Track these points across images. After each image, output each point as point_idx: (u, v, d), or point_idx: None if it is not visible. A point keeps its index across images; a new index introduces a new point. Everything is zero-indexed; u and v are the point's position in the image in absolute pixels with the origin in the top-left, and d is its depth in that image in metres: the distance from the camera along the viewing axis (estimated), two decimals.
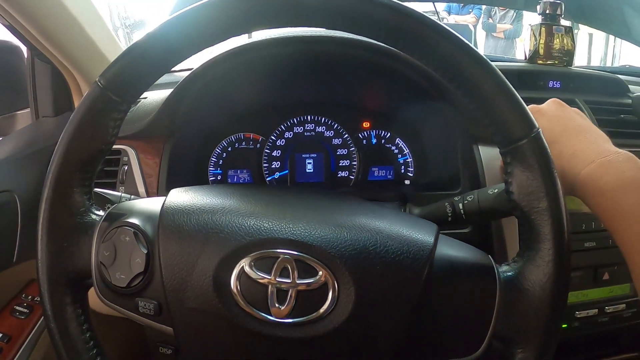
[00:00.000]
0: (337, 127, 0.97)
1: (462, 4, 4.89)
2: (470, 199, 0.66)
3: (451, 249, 0.49)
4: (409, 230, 0.48)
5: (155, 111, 0.81)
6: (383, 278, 0.45)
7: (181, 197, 0.50)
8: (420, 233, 0.48)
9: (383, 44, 0.50)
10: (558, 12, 1.03)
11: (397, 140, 0.98)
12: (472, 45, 0.44)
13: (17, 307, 0.87)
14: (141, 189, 0.80)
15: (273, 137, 0.96)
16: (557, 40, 1.02)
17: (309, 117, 0.96)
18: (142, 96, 0.89)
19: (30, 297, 0.88)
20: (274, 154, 0.96)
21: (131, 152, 0.82)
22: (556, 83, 0.99)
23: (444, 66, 0.45)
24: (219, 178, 0.95)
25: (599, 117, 0.92)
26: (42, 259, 0.48)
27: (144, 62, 0.47)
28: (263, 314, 0.44)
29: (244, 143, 0.96)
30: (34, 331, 0.86)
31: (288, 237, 0.45)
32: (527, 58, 1.06)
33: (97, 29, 0.89)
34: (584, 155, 0.57)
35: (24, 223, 0.80)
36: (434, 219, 0.59)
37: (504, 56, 2.90)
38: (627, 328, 0.94)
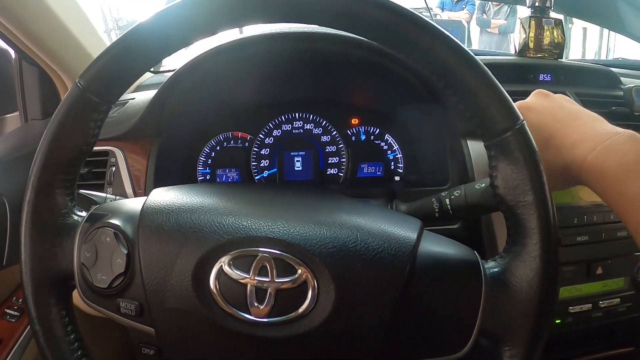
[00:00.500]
0: (325, 124, 0.97)
1: (455, 0, 4.89)
2: (457, 194, 0.65)
3: (435, 245, 0.48)
4: (391, 226, 0.48)
5: (142, 111, 0.81)
6: (363, 276, 0.44)
7: (162, 196, 0.50)
8: (402, 229, 0.48)
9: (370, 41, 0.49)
10: (547, 4, 1.01)
11: (387, 137, 0.98)
12: (453, 37, 0.44)
13: (8, 310, 0.87)
14: (129, 190, 0.80)
15: (261, 136, 0.96)
16: (547, 33, 1.01)
17: (297, 115, 0.96)
18: (129, 97, 0.89)
19: (20, 300, 0.88)
20: (263, 152, 0.96)
21: (118, 153, 0.81)
22: (546, 76, 0.98)
23: (425, 59, 0.45)
24: (207, 177, 0.95)
25: (590, 109, 0.92)
26: (26, 260, 0.48)
27: (123, 62, 0.47)
28: (242, 314, 0.44)
29: (232, 142, 0.96)
30: (24, 334, 0.86)
31: (266, 235, 0.45)
32: (517, 51, 1.05)
33: (84, 30, 0.89)
34: (584, 143, 0.56)
35: (13, 226, 0.80)
36: (421, 215, 0.59)
37: (496, 51, 2.91)
38: (622, 322, 0.93)
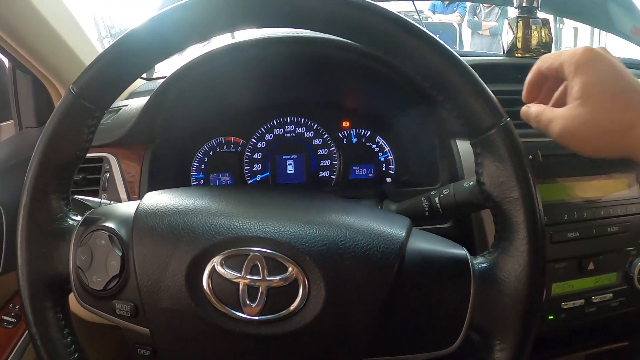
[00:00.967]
0: (317, 127, 0.98)
1: (446, 3, 4.91)
2: (446, 193, 0.66)
3: (424, 242, 0.49)
4: (380, 225, 0.48)
5: (135, 118, 0.81)
6: (353, 273, 0.45)
7: (155, 199, 0.51)
8: (391, 227, 0.48)
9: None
10: (535, 4, 1.03)
11: (378, 139, 0.99)
12: (438, 39, 0.45)
13: (5, 317, 0.87)
14: (123, 195, 0.80)
15: (254, 140, 0.96)
16: (535, 32, 1.02)
17: (288, 119, 0.97)
18: (122, 104, 0.90)
19: (17, 307, 0.88)
20: (255, 156, 0.97)
21: (112, 160, 0.82)
22: None
23: (411, 61, 0.46)
24: (201, 182, 0.96)
25: None
26: (22, 264, 0.49)
27: (116, 68, 0.48)
28: (235, 312, 0.44)
29: (225, 147, 0.96)
30: (21, 340, 0.87)
31: (257, 235, 0.46)
32: (505, 52, 1.06)
33: (77, 39, 0.90)
34: None
35: (9, 233, 0.81)
36: (411, 215, 0.60)
37: (486, 52, 2.93)
38: (616, 317, 0.94)
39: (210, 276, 0.45)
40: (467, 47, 4.77)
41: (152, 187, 0.81)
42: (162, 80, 0.80)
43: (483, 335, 0.47)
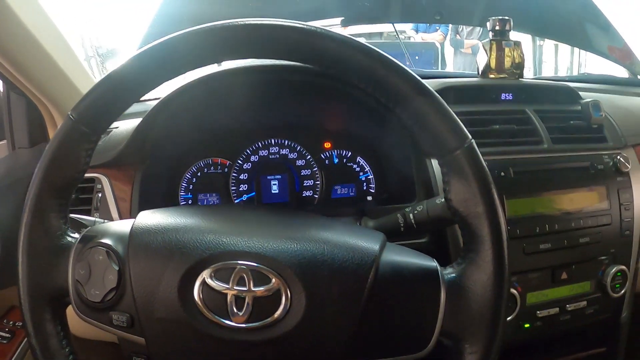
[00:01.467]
0: (300, 149, 1.01)
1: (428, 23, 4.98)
2: (419, 209, 0.70)
3: (397, 255, 0.53)
4: (355, 239, 0.53)
5: (126, 140, 0.85)
6: (331, 283, 0.49)
7: (149, 218, 0.54)
8: (365, 242, 0.52)
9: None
10: (507, 27, 1.07)
11: (358, 159, 1.03)
12: (404, 66, 0.49)
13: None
14: (115, 214, 0.84)
15: (240, 161, 1.00)
16: (508, 54, 1.06)
17: (273, 141, 1.01)
18: (113, 126, 0.93)
19: (11, 322, 0.89)
20: (241, 177, 1.00)
21: (104, 180, 0.85)
22: (508, 95, 1.03)
23: (381, 88, 0.50)
24: (189, 202, 0.98)
25: (548, 125, 0.97)
26: (23, 279, 0.52)
27: (112, 96, 0.52)
28: (224, 320, 0.48)
29: (212, 168, 0.99)
30: (16, 355, 0.88)
31: (244, 250, 0.50)
32: (480, 73, 1.10)
33: (69, 63, 0.92)
34: None
35: (3, 251, 0.83)
36: (387, 230, 0.64)
37: (464, 71, 3.00)
38: (594, 324, 0.97)
39: (201, 288, 0.48)
40: (449, 65, 4.83)
41: (143, 207, 0.83)
42: (150, 102, 0.83)
43: (454, 340, 0.51)
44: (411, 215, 0.71)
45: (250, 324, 0.48)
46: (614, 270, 0.94)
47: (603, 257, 0.95)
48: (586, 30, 1.61)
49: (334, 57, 0.50)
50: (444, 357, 0.52)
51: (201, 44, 0.50)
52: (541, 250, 0.89)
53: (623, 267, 0.95)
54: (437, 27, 4.98)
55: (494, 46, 1.07)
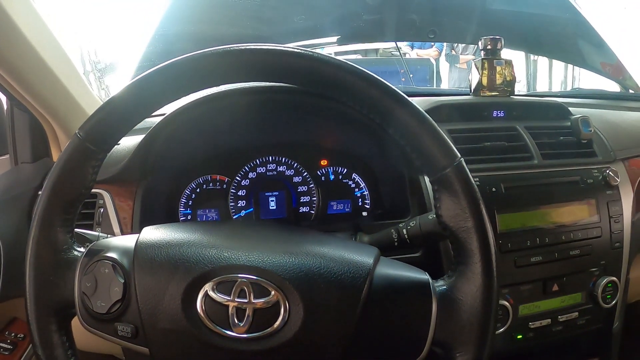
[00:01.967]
0: (297, 166, 1.04)
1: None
2: (412, 225, 0.73)
3: (390, 269, 0.55)
4: (350, 254, 0.55)
5: (128, 157, 0.87)
6: (327, 295, 0.51)
7: (153, 233, 0.57)
8: (360, 256, 0.55)
9: None
10: (498, 46, 1.10)
11: (354, 176, 1.05)
12: (395, 88, 0.52)
13: (1, 344, 0.90)
14: (116, 229, 0.85)
15: (238, 178, 1.02)
16: (499, 72, 1.09)
17: (270, 158, 1.03)
18: None
19: (13, 334, 0.91)
20: (240, 193, 1.02)
21: (106, 196, 0.87)
22: (500, 112, 1.06)
23: (374, 110, 0.53)
24: (189, 218, 1.00)
25: (539, 141, 1.00)
26: (30, 291, 0.54)
27: (118, 116, 0.55)
28: (226, 331, 0.50)
29: (211, 184, 1.01)
30: None
31: (244, 264, 0.52)
32: (472, 91, 1.13)
33: (72, 80, 0.94)
34: None
35: (6, 264, 0.84)
36: (382, 245, 0.66)
37: (457, 88, 3.04)
38: (584, 335, 0.99)
39: (203, 300, 0.51)
40: (445, 80, 4.86)
41: (144, 222, 0.85)
42: (153, 120, 0.85)
43: (445, 349, 0.53)
44: (404, 231, 0.73)
45: (250, 334, 0.50)
46: (604, 281, 0.96)
47: (594, 269, 0.97)
48: (579, 47, 1.64)
49: (334, 83, 0.53)
50: None
51: (203, 68, 0.53)
52: (532, 263, 0.91)
53: (614, 278, 0.97)
54: (432, 44, 5.02)
55: (486, 64, 1.10)
